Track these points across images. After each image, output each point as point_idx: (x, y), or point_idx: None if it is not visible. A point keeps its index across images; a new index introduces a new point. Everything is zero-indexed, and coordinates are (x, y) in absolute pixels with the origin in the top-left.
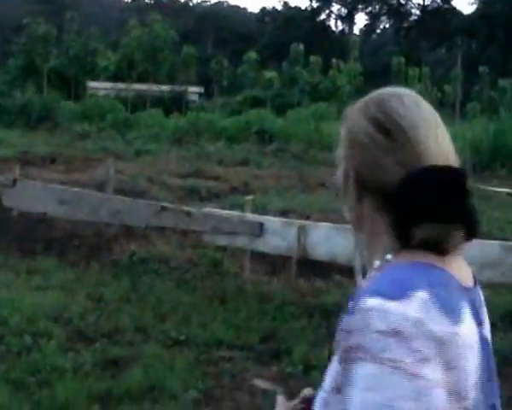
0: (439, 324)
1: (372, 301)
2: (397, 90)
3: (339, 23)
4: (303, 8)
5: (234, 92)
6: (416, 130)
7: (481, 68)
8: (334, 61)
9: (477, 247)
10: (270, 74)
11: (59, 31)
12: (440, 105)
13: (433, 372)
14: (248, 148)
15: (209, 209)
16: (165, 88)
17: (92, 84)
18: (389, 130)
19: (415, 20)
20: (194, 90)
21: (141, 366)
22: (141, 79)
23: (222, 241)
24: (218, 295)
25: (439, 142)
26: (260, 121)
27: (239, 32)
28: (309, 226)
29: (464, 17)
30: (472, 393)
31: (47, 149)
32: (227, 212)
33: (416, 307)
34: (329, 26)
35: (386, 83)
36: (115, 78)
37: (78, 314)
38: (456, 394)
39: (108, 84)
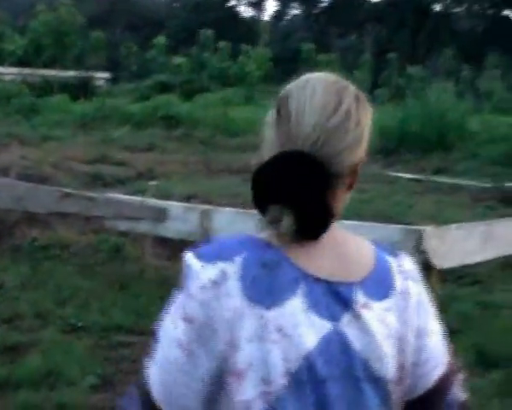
0: (229, 300)
1: (187, 254)
2: (316, 75)
3: (249, 9)
4: None
5: (143, 77)
6: (300, 113)
7: (390, 55)
8: (243, 46)
9: (379, 230)
10: (179, 60)
11: None
12: None
13: (183, 332)
14: (155, 133)
15: (111, 194)
16: (72, 73)
17: None
18: (280, 111)
19: (325, 6)
20: (101, 76)
21: (39, 352)
22: (48, 65)
23: (123, 226)
24: (119, 281)
25: (323, 129)
26: (167, 106)
27: (149, 18)
28: (212, 211)
29: (374, 4)
30: (280, 380)
31: None
32: (129, 197)
33: (211, 275)
34: (239, 12)
35: (296, 69)
36: (22, 63)
37: None
38: (240, 374)
39: (14, 70)
